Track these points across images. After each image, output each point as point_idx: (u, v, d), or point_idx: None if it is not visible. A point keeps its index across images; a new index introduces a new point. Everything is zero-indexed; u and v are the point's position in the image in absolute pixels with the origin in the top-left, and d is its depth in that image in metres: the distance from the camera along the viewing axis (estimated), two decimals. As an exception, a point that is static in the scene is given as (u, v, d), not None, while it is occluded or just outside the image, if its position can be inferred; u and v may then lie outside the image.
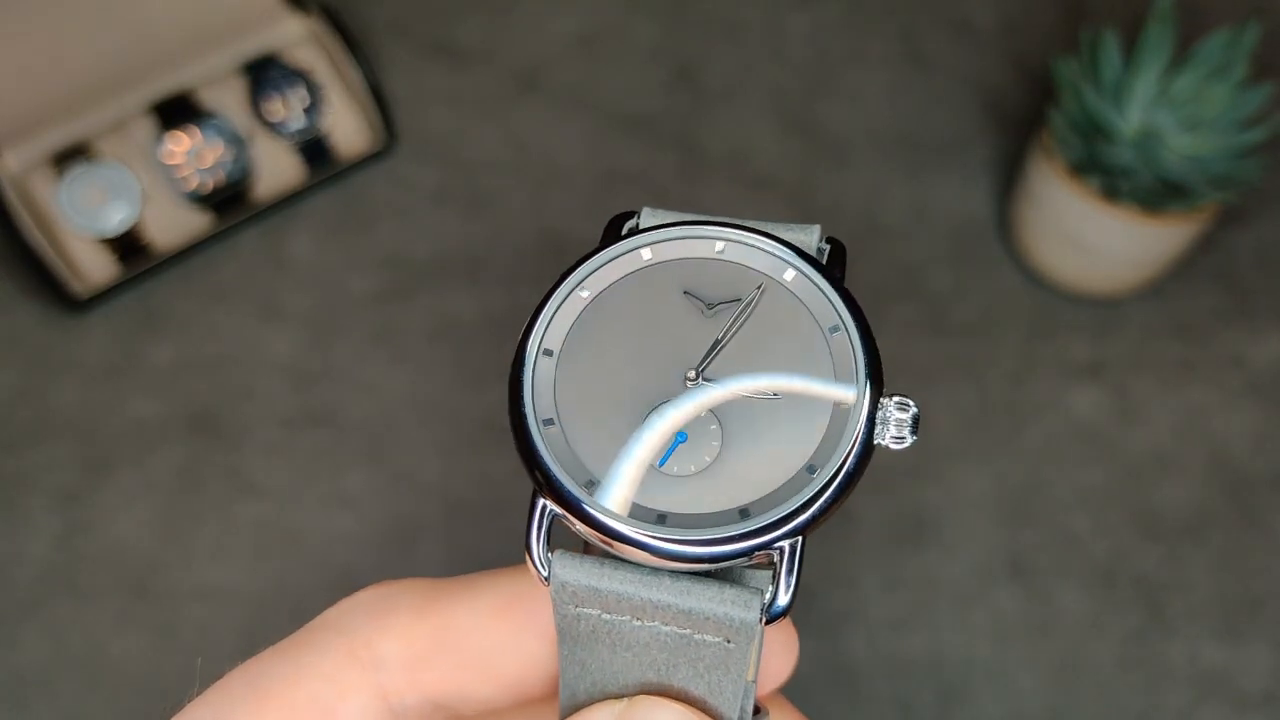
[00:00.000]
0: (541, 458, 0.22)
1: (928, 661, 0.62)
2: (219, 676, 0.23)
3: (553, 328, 0.23)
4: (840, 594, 0.63)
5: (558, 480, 0.22)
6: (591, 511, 0.21)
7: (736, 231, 0.24)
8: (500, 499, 0.64)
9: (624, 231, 0.25)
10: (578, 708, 0.23)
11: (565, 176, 0.76)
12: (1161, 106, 0.63)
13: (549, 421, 0.22)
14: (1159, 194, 0.64)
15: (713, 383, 0.22)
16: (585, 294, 0.24)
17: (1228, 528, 0.66)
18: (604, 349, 0.23)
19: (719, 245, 0.24)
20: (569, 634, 0.22)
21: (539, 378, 0.23)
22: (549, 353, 0.23)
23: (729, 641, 0.21)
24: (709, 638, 0.21)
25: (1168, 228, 0.65)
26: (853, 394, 0.22)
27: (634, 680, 0.22)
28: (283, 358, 0.69)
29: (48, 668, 0.60)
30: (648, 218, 0.25)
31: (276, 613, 0.61)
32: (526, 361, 0.23)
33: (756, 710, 0.24)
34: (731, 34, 0.82)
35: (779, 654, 0.26)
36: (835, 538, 0.65)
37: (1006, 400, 0.69)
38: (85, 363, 0.68)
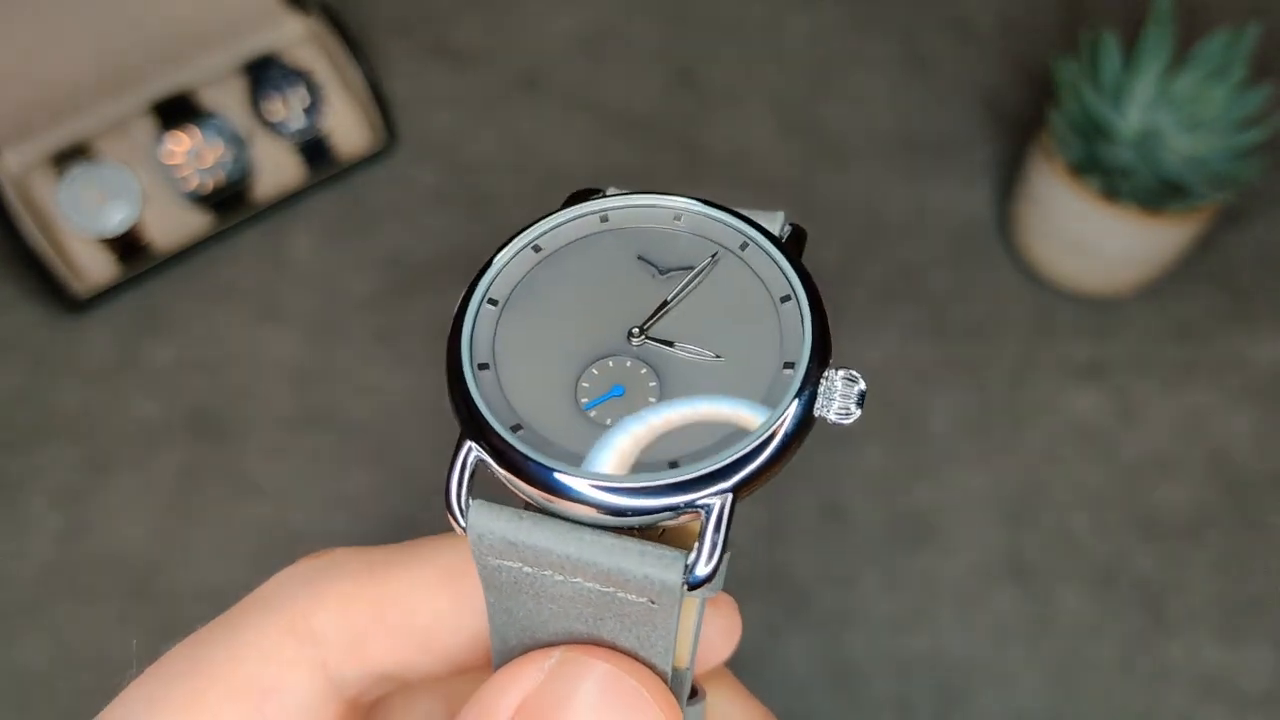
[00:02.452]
0: (471, 397, 0.21)
1: (928, 661, 0.62)
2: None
3: (501, 279, 0.23)
4: (840, 594, 0.63)
5: (484, 419, 0.21)
6: (512, 450, 0.21)
7: (697, 204, 0.24)
8: (500, 499, 0.64)
9: None
10: (509, 653, 0.22)
11: (565, 176, 0.76)
12: (1161, 106, 0.63)
13: (484, 366, 0.22)
14: (1159, 194, 0.64)
15: (656, 341, 0.22)
16: (538, 250, 0.24)
17: (1228, 528, 0.66)
18: (549, 303, 0.23)
19: (677, 216, 0.24)
20: (492, 584, 0.22)
21: (480, 324, 0.22)
22: (493, 301, 0.23)
23: (653, 602, 0.21)
24: (632, 597, 0.21)
25: (1168, 228, 0.65)
26: (796, 360, 0.22)
27: (562, 629, 0.22)
28: (283, 358, 0.69)
29: (48, 668, 0.60)
30: (613, 194, 0.25)
31: (277, 613, 0.61)
32: (470, 308, 0.23)
33: (693, 693, 0.24)
34: (732, 35, 0.82)
35: (720, 634, 0.25)
36: (835, 538, 0.65)
37: (1006, 400, 0.69)
38: (85, 363, 0.68)
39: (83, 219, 0.67)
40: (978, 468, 0.67)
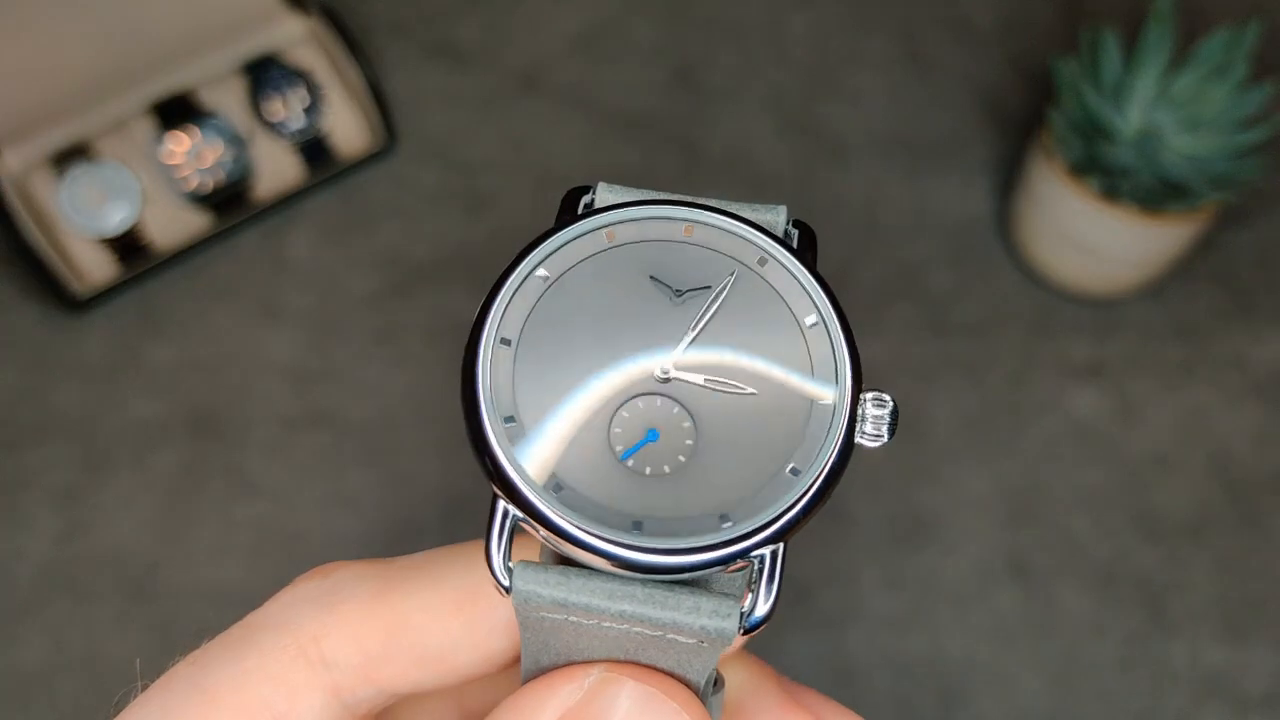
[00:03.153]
0: (500, 460, 0.20)
1: (928, 661, 0.62)
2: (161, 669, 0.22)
3: (510, 313, 0.22)
4: (840, 594, 0.63)
5: (519, 485, 0.20)
6: (557, 520, 0.20)
7: (704, 213, 0.22)
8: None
9: (580, 208, 0.23)
10: (541, 671, 0.22)
11: (565, 176, 0.76)
12: (1161, 106, 0.63)
13: (509, 419, 0.21)
14: (1159, 194, 0.64)
15: (685, 378, 0.21)
16: (543, 276, 0.22)
17: (1228, 528, 0.66)
18: (566, 338, 0.21)
19: (686, 227, 0.22)
20: (533, 628, 0.21)
21: (496, 370, 0.21)
22: (506, 341, 0.21)
23: (703, 643, 0.20)
24: (682, 639, 0.20)
25: (1168, 228, 0.65)
26: (832, 391, 0.21)
27: (600, 655, 0.21)
28: (283, 358, 0.69)
29: (48, 668, 0.60)
30: (603, 193, 0.23)
31: (276, 613, 0.61)
32: (482, 351, 0.21)
33: (715, 682, 0.23)
34: (731, 34, 0.82)
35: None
36: (835, 537, 0.65)
37: (1006, 400, 0.69)
38: (85, 363, 0.68)
39: (83, 219, 0.67)
40: (978, 468, 0.67)
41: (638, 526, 0.20)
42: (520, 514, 0.20)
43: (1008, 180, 0.76)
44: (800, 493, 0.20)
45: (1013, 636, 0.63)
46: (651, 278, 0.22)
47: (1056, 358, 0.70)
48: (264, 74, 0.71)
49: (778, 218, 0.23)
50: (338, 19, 0.74)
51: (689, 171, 0.76)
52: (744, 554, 0.20)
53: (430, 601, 0.22)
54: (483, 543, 0.21)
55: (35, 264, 0.67)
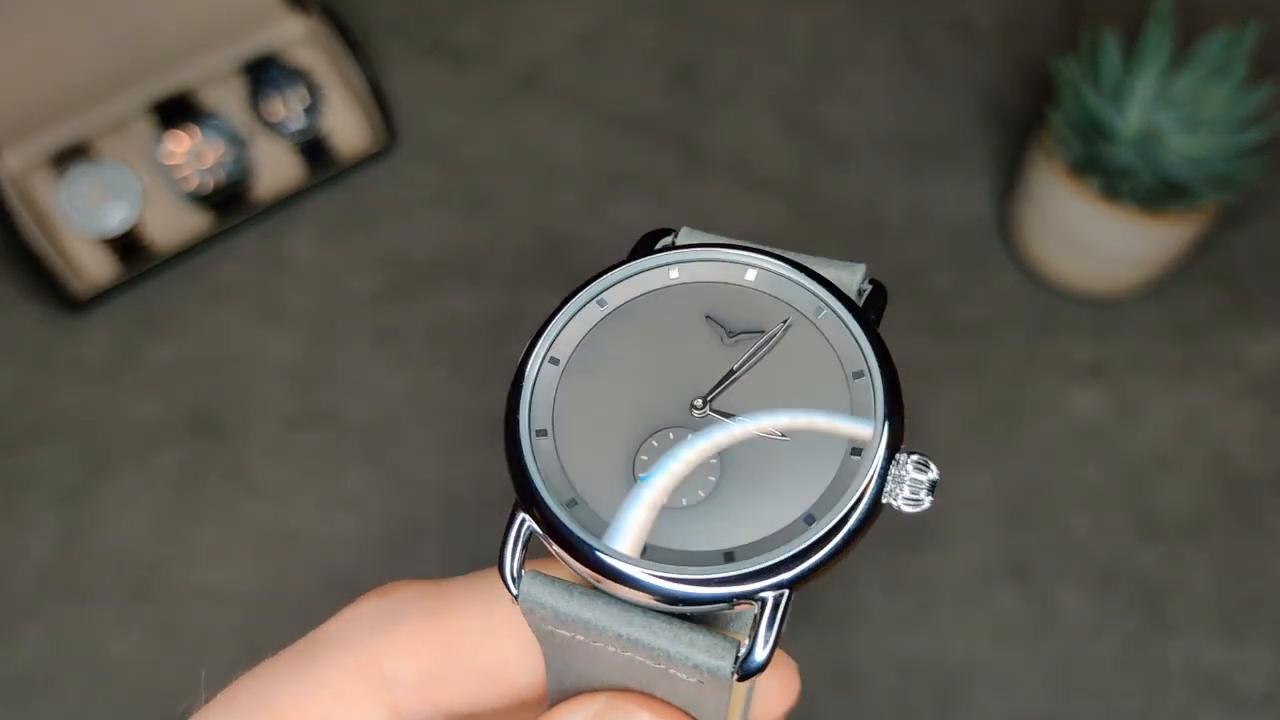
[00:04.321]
0: (527, 469, 0.21)
1: (928, 661, 0.62)
2: (223, 680, 0.23)
3: (564, 336, 0.22)
4: (840, 594, 0.63)
5: (539, 493, 0.21)
6: (565, 529, 0.20)
7: (772, 261, 0.22)
8: (501, 499, 0.64)
9: (657, 247, 0.23)
10: (564, 694, 0.22)
11: (565, 176, 0.76)
12: (1161, 106, 0.63)
13: (542, 432, 0.21)
14: (1159, 194, 0.64)
15: (720, 414, 0.21)
16: (603, 306, 0.22)
17: (1228, 528, 0.66)
18: (612, 364, 0.22)
19: (751, 273, 0.22)
20: (547, 643, 0.21)
21: (540, 386, 0.21)
22: (555, 361, 0.22)
23: (701, 682, 0.20)
24: (683, 675, 0.20)
25: (1168, 228, 0.65)
26: (866, 445, 0.21)
27: (617, 683, 0.21)
28: (283, 358, 0.69)
29: (48, 668, 0.60)
30: (685, 236, 0.23)
31: (276, 613, 0.61)
32: (530, 367, 0.22)
33: None
34: (732, 34, 0.82)
35: (776, 695, 0.25)
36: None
37: (1006, 400, 0.69)
38: (85, 363, 0.68)
39: (83, 219, 0.67)
40: (978, 468, 0.67)
41: (642, 553, 0.20)
42: (534, 524, 0.21)
43: (1008, 180, 0.76)
44: (811, 540, 0.20)
45: (1012, 636, 0.63)
46: (707, 317, 0.22)
47: (1056, 358, 0.70)
48: (264, 74, 0.71)
49: (854, 277, 0.23)
50: (338, 19, 0.74)
51: (689, 172, 0.76)
52: (742, 595, 0.20)
53: (485, 621, 0.23)
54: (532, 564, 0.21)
55: (35, 264, 0.67)
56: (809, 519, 0.20)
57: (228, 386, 0.68)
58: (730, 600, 0.20)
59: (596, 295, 0.22)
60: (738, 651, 0.20)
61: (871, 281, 0.23)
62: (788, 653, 0.24)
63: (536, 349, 0.22)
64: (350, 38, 0.73)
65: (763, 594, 0.20)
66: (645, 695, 0.21)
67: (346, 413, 0.68)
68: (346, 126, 0.73)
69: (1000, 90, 0.80)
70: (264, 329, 0.70)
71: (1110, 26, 0.65)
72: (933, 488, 0.20)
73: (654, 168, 0.76)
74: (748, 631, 0.20)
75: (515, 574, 0.21)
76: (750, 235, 0.24)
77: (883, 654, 0.62)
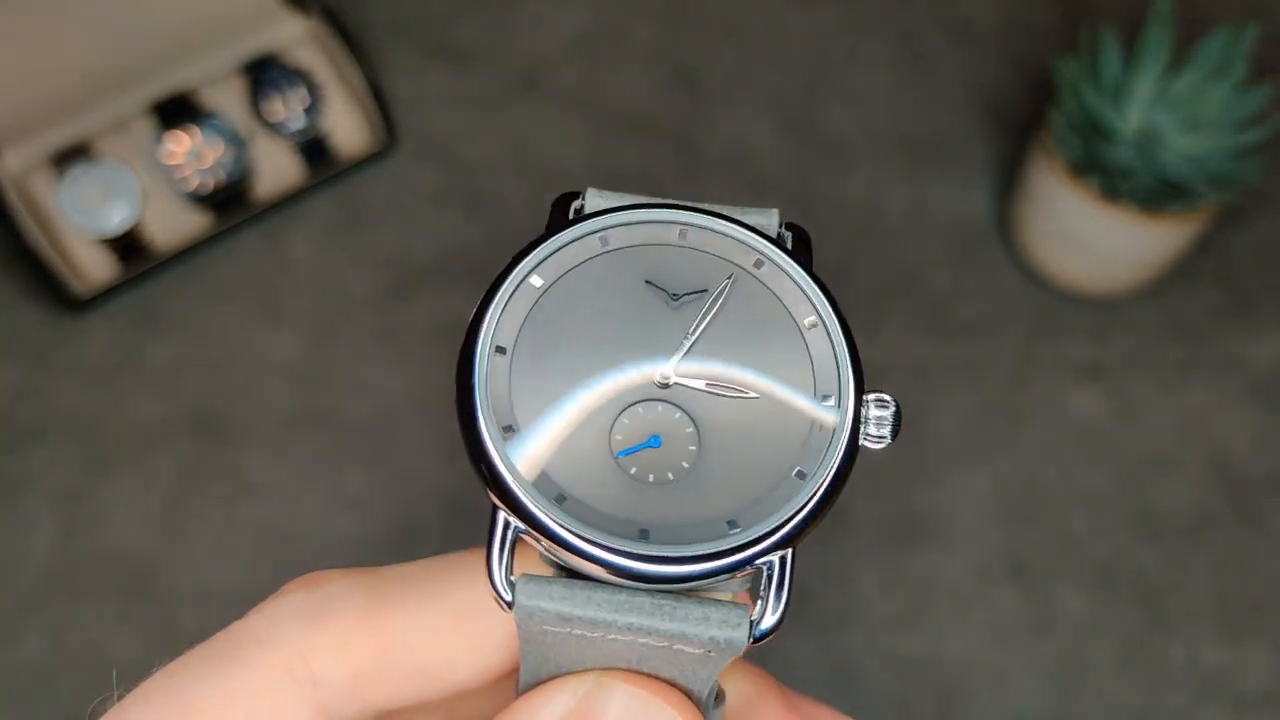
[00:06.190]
0: (500, 472, 0.20)
1: (928, 661, 0.62)
2: (138, 676, 0.22)
3: (504, 321, 0.21)
4: (840, 594, 0.63)
5: (523, 499, 0.20)
6: (560, 530, 0.20)
7: (698, 215, 0.22)
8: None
9: (570, 214, 0.23)
10: (539, 682, 0.21)
11: (565, 176, 0.76)
12: (1161, 106, 0.63)
13: (508, 429, 0.20)
14: (1159, 194, 0.64)
15: (686, 383, 0.21)
16: (537, 282, 0.22)
17: (1227, 528, 0.66)
18: (563, 345, 0.21)
19: (681, 230, 0.22)
20: (534, 642, 0.21)
21: (493, 380, 0.21)
22: (501, 350, 0.21)
23: (710, 653, 0.20)
24: (689, 649, 0.20)
25: (1167, 228, 0.65)
26: (834, 392, 0.21)
27: (604, 664, 0.21)
28: (283, 358, 0.69)
29: (48, 668, 0.60)
30: (593, 198, 0.23)
31: (276, 613, 0.61)
32: (477, 361, 0.21)
33: (717, 696, 0.23)
34: (731, 34, 0.82)
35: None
36: (834, 537, 0.65)
37: (1006, 400, 0.69)
38: (85, 363, 0.68)
39: (83, 219, 0.67)
40: (978, 468, 0.67)
41: (644, 535, 0.20)
42: (522, 525, 0.20)
43: (1008, 180, 0.76)
44: (807, 496, 0.20)
45: (1012, 636, 0.63)
46: (647, 282, 0.22)
47: (1056, 358, 0.70)
48: (264, 74, 0.71)
49: (770, 221, 0.23)
50: (338, 19, 0.74)
51: (689, 172, 0.76)
52: (753, 560, 0.20)
53: (427, 619, 0.22)
54: (478, 553, 0.20)
55: (35, 264, 0.67)
56: (800, 475, 0.20)
57: (228, 386, 0.68)
58: (741, 567, 0.20)
59: (527, 274, 0.22)
60: (750, 618, 0.20)
61: (789, 226, 0.23)
62: (787, 650, 0.24)
63: (480, 341, 0.21)
64: (350, 38, 0.73)
65: (770, 556, 0.20)
66: (634, 672, 0.21)
67: (347, 413, 0.68)
68: (346, 127, 0.73)
69: (1000, 90, 0.80)
70: (264, 329, 0.70)
71: (1110, 26, 0.65)
72: (897, 421, 0.21)
73: (654, 168, 0.76)
74: (737, 592, 0.20)
75: (506, 582, 0.20)
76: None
77: (882, 654, 0.62)
